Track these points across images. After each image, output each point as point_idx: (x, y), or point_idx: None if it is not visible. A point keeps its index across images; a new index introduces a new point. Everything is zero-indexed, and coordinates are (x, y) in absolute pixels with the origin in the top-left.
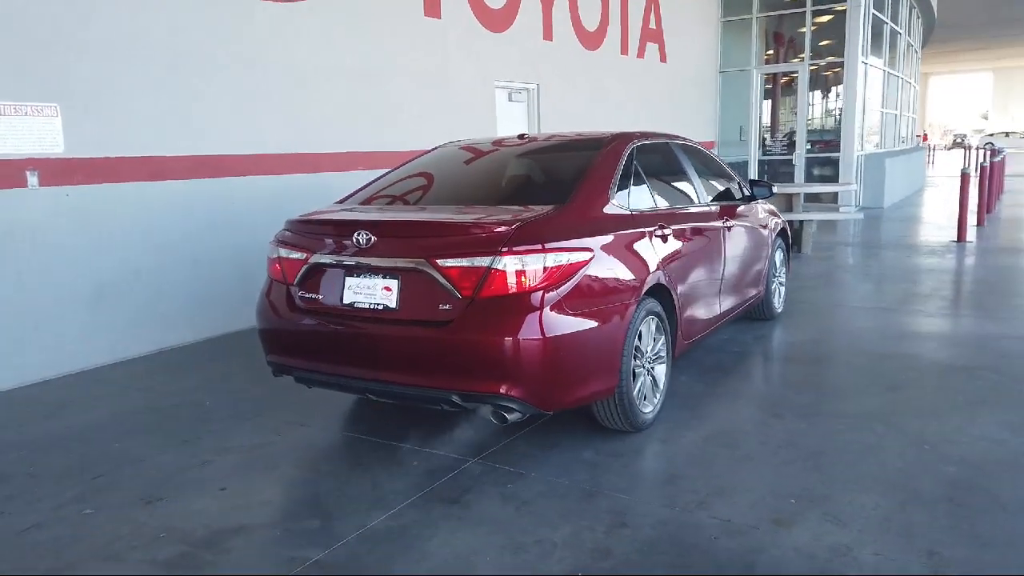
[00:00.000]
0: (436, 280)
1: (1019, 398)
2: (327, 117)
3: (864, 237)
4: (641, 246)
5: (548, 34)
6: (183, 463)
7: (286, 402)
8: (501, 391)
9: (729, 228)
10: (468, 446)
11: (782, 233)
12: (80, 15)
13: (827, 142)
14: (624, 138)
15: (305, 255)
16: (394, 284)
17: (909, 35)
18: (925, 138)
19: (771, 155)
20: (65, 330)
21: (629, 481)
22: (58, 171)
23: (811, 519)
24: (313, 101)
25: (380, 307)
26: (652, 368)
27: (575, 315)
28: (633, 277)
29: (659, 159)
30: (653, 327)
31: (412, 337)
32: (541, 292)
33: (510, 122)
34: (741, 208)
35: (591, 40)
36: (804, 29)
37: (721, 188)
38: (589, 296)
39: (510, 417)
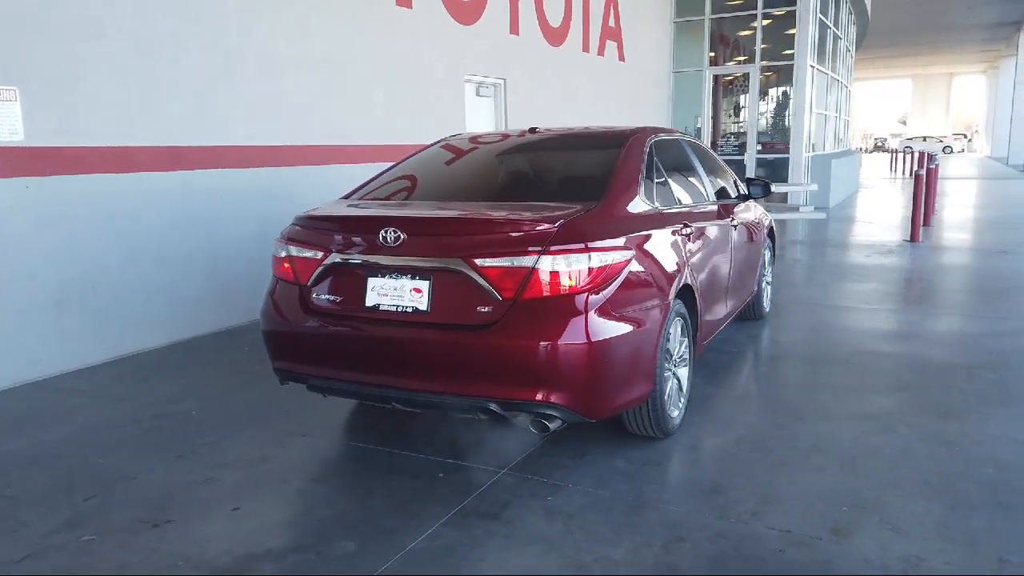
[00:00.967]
0: (474, 281)
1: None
2: (298, 107)
3: (821, 237)
4: (670, 245)
5: (515, 28)
6: (183, 481)
7: (278, 410)
8: (545, 399)
9: (735, 226)
10: (489, 456)
11: (770, 232)
12: None
13: (775, 143)
14: (643, 133)
15: (321, 254)
16: (425, 285)
17: (847, 40)
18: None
19: (723, 155)
20: (25, 334)
21: (672, 491)
22: (17, 161)
23: (869, 527)
24: (284, 90)
25: (409, 310)
26: (676, 371)
27: (618, 318)
28: (666, 277)
29: (673, 155)
30: (679, 329)
31: (447, 342)
32: (586, 294)
33: (478, 117)
34: (741, 206)
35: (555, 36)
36: (747, 32)
37: (724, 185)
38: (630, 298)
39: (551, 426)
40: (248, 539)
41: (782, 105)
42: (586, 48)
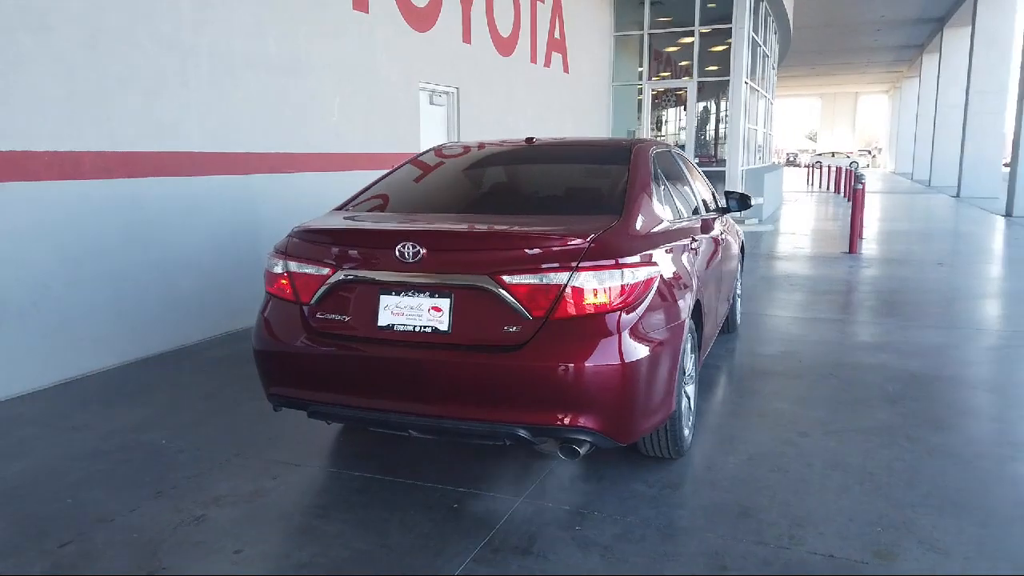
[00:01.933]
0: (501, 299)
1: (1011, 411)
2: (252, 110)
3: (762, 249)
4: (685, 260)
5: (467, 36)
6: (169, 520)
7: (259, 437)
8: (579, 423)
9: (721, 239)
10: (501, 482)
11: (741, 245)
12: None
13: (711, 156)
14: (644, 144)
15: (326, 270)
16: (445, 304)
17: (773, 58)
18: None
19: None
20: None
21: (701, 516)
22: None
23: (910, 549)
24: (237, 92)
25: (428, 330)
26: (686, 389)
27: (648, 337)
28: (686, 293)
29: (669, 168)
30: (690, 345)
31: (471, 364)
32: (619, 312)
33: (432, 125)
34: (723, 218)
35: (505, 46)
36: (675, 48)
37: (706, 198)
38: (657, 315)
39: (581, 451)
40: None
41: (715, 119)
42: (534, 59)
